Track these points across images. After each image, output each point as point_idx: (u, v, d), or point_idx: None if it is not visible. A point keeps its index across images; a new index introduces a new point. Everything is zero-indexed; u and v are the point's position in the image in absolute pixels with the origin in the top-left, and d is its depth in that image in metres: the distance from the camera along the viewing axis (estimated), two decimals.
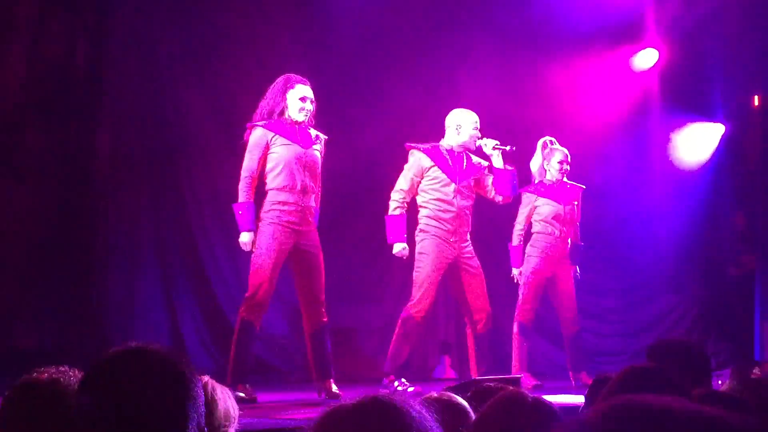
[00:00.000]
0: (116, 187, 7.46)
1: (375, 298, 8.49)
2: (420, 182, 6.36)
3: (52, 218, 7.08)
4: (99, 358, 1.76)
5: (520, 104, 8.82)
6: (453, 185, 6.34)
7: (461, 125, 6.42)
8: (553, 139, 7.50)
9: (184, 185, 7.91)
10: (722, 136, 9.85)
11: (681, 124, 9.86)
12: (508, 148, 6.37)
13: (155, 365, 1.72)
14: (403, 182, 6.36)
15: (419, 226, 6.38)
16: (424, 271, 6.28)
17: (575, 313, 7.55)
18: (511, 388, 2.70)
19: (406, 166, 6.39)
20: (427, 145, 6.39)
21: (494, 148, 6.38)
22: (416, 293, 6.28)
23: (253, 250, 5.64)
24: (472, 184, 6.46)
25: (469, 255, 6.44)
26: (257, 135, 5.72)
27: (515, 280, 7.39)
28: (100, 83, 7.32)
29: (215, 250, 7.98)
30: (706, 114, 9.85)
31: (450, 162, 6.36)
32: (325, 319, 5.81)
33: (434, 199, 6.34)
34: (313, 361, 5.81)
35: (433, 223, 6.32)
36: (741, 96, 9.87)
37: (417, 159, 6.36)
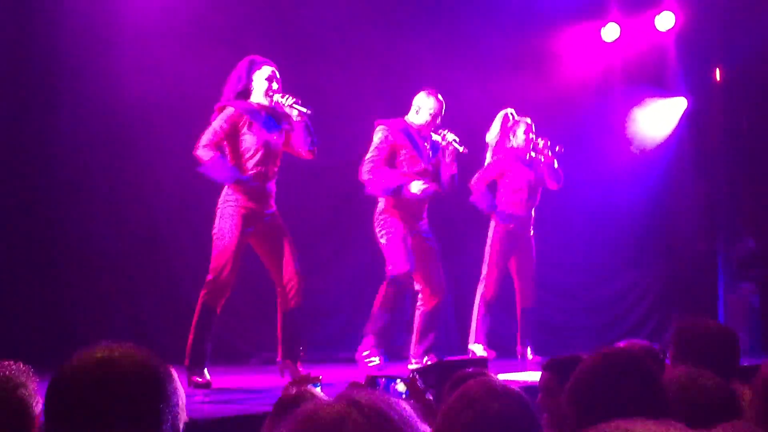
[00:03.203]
0: (76, 175, 7.32)
1: (334, 276, 8.42)
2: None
3: (10, 205, 6.94)
4: (67, 358, 1.70)
5: (482, 77, 8.78)
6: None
7: (420, 108, 6.46)
8: (513, 111, 7.51)
9: (145, 168, 7.78)
10: (684, 110, 9.88)
11: (643, 99, 9.88)
12: (461, 149, 6.37)
13: (126, 366, 1.67)
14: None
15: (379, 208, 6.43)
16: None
17: (535, 287, 7.65)
18: (479, 375, 2.66)
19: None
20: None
21: (446, 144, 6.40)
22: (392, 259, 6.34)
23: (215, 232, 5.56)
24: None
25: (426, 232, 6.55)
26: (227, 114, 5.57)
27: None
28: (58, 92, 7.19)
29: (179, 233, 7.87)
30: (667, 88, 9.87)
31: (418, 144, 6.45)
32: (298, 300, 5.75)
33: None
34: (282, 341, 5.74)
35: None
36: (703, 70, 9.90)
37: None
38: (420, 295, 6.58)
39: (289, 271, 5.68)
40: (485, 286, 7.43)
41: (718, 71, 9.88)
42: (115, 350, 1.70)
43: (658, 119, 9.91)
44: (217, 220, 5.54)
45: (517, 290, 7.67)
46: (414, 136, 6.43)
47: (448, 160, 6.41)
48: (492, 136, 7.48)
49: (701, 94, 9.90)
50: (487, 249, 7.50)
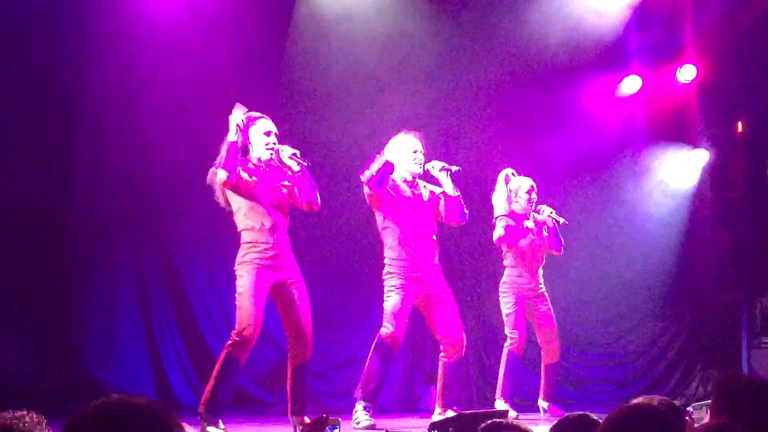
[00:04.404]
0: (95, 220, 7.38)
1: (343, 331, 8.39)
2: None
3: (30, 254, 6.98)
4: (77, 414, 1.66)
5: (501, 131, 8.79)
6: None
7: (400, 151, 6.36)
8: (514, 171, 7.46)
9: (166, 217, 7.83)
10: (706, 162, 9.83)
11: (665, 151, 9.84)
12: (454, 168, 6.33)
13: (138, 422, 1.63)
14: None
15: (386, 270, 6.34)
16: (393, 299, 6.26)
17: (558, 343, 7.54)
18: (510, 428, 2.60)
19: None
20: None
21: (441, 170, 6.32)
22: (390, 321, 6.23)
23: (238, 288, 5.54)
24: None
25: (440, 282, 6.42)
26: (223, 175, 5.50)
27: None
28: (78, 122, 7.28)
29: (198, 280, 7.89)
30: (690, 141, 9.84)
31: (408, 190, 6.35)
32: (309, 356, 5.72)
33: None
34: (291, 395, 5.71)
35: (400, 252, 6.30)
36: (725, 122, 9.86)
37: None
38: (442, 347, 6.50)
39: (303, 326, 5.66)
40: (517, 343, 7.31)
41: (740, 123, 9.84)
42: (127, 403, 1.66)
43: (681, 171, 9.87)
44: (238, 280, 5.55)
45: (542, 346, 7.59)
46: (400, 188, 6.34)
47: (450, 188, 6.33)
48: (501, 198, 7.43)
49: (723, 146, 9.85)
50: (508, 309, 7.37)
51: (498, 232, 7.30)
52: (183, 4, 7.57)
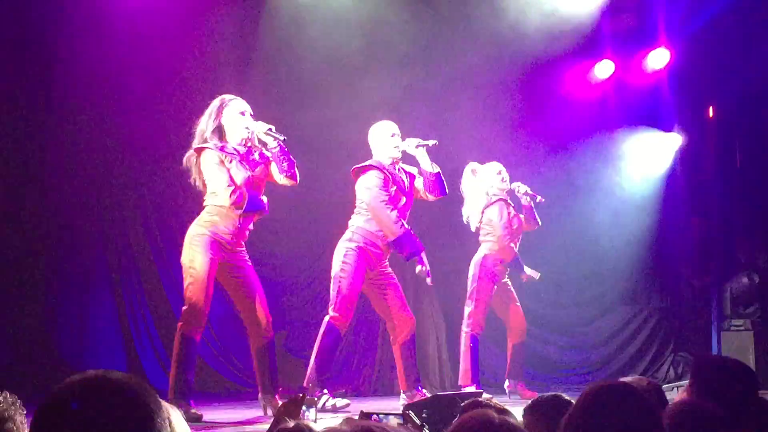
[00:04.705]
0: (68, 207, 7.35)
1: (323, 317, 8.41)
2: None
3: (2, 241, 6.94)
4: (54, 389, 1.64)
5: (473, 117, 8.80)
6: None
7: (381, 138, 6.37)
8: (476, 164, 7.52)
9: (140, 204, 7.81)
10: (678, 147, 9.92)
11: (637, 136, 9.92)
12: (431, 142, 6.31)
13: (115, 397, 1.61)
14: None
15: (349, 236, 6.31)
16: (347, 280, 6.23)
17: (525, 322, 7.64)
18: (475, 409, 2.64)
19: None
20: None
21: (417, 146, 6.30)
22: (339, 306, 6.19)
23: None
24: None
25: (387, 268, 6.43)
26: (212, 156, 5.48)
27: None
28: (51, 109, 7.25)
29: (171, 267, 7.87)
30: (661, 125, 9.92)
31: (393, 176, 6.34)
32: (269, 335, 5.71)
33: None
34: (258, 376, 5.71)
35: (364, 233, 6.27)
36: (696, 107, 9.95)
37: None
38: (395, 330, 6.43)
39: (257, 307, 5.63)
40: (476, 321, 7.36)
41: (711, 108, 9.93)
42: (103, 378, 1.64)
43: (652, 156, 9.95)
44: (186, 249, 5.47)
45: (510, 326, 7.66)
46: (393, 175, 6.34)
47: (428, 164, 6.31)
48: (471, 188, 7.47)
49: (695, 131, 9.94)
50: (474, 284, 7.43)
51: (499, 220, 7.38)
52: None
